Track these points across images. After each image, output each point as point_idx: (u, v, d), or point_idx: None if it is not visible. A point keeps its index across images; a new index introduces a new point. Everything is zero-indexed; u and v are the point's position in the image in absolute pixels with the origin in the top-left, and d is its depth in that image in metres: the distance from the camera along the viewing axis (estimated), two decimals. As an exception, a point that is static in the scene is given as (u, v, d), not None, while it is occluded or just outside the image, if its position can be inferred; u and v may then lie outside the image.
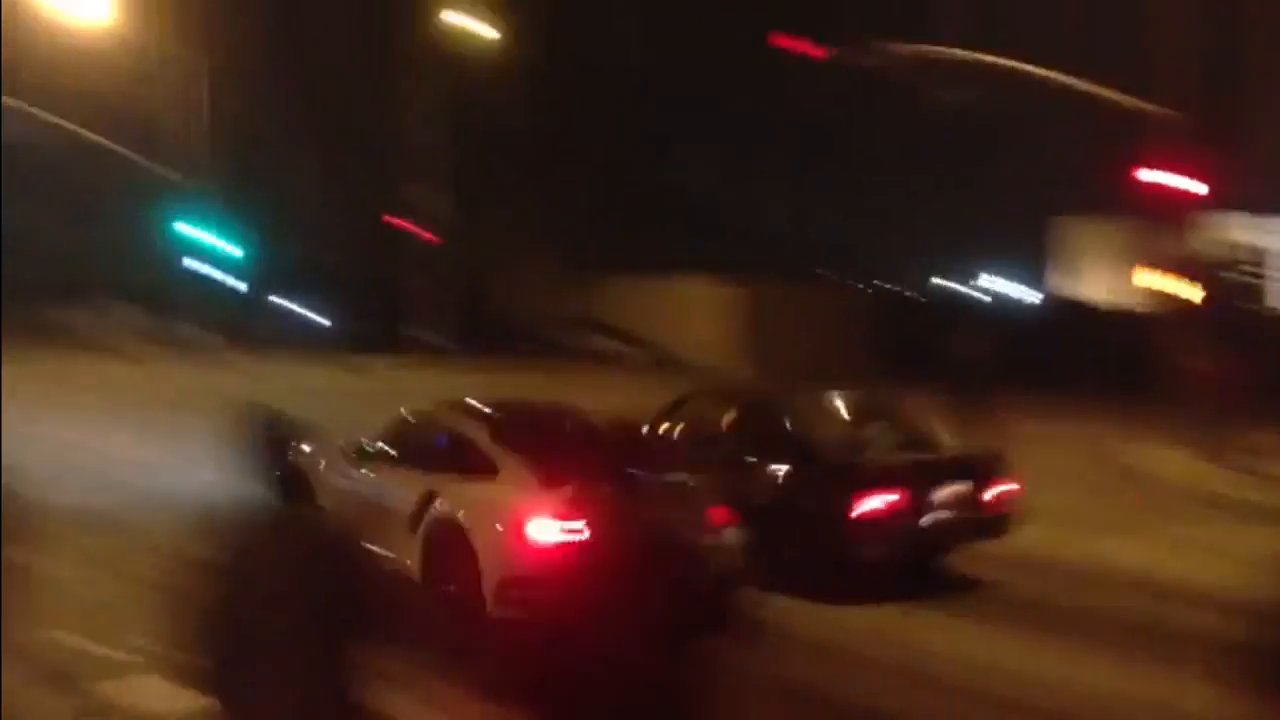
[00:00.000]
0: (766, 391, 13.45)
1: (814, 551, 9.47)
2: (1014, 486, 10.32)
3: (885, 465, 10.01)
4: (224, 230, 34.05)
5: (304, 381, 27.77)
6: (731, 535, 8.39)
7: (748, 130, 38.63)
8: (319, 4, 34.72)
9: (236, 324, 36.08)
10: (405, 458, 9.33)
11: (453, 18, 34.08)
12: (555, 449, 8.57)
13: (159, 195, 34.23)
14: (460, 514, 8.32)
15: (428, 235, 36.64)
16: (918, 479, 9.73)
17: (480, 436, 8.89)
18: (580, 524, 7.57)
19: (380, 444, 9.63)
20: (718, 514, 8.35)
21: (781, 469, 9.89)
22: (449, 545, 8.27)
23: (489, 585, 8.00)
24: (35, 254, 48.19)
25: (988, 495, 10.09)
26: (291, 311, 39.40)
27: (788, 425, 10.42)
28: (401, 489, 8.92)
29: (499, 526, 8.04)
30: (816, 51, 23.29)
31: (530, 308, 39.42)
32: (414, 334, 36.38)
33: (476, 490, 8.45)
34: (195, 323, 34.16)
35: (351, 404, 19.98)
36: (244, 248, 36.50)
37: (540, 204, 37.91)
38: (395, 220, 37.07)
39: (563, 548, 7.60)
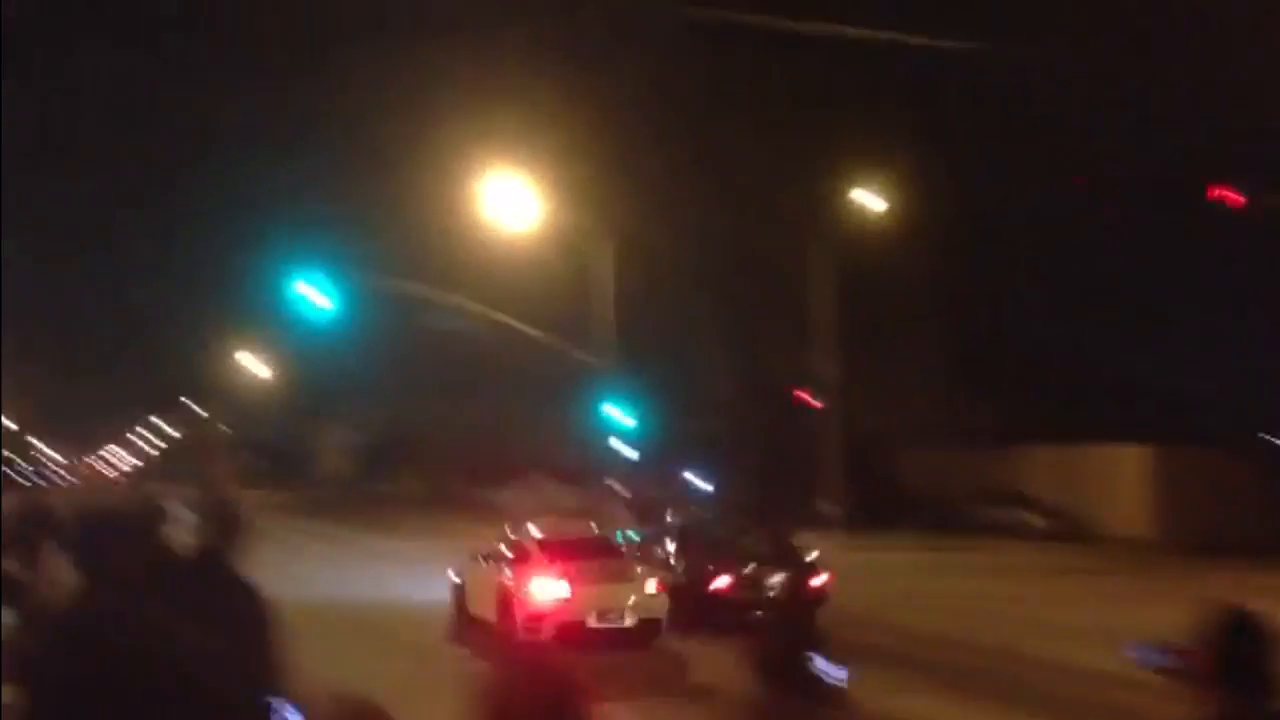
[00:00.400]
0: (699, 519, 20.18)
1: (700, 612, 14.77)
2: (827, 577, 15.82)
3: (734, 561, 15.74)
4: (635, 408, 35.93)
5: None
6: (663, 599, 14.31)
7: (1168, 293, 36.34)
8: (713, 183, 36.65)
9: (649, 497, 37.62)
10: (497, 556, 15.30)
11: (856, 193, 34.90)
12: (565, 548, 14.85)
13: (582, 379, 36.82)
14: (511, 583, 14.35)
15: (819, 405, 36.82)
16: (755, 570, 15.53)
17: (529, 541, 15.11)
18: (561, 585, 13.96)
19: (487, 551, 15.83)
20: (658, 585, 14.42)
21: (682, 563, 16.13)
22: (507, 600, 14.31)
23: (519, 620, 13.92)
24: (479, 437, 53.25)
25: (812, 582, 15.63)
26: (694, 484, 40.62)
27: (694, 538, 17.02)
28: (492, 574, 15.02)
29: (522, 586, 14.16)
30: (1236, 199, 21.40)
31: (939, 480, 38.47)
32: (817, 506, 36.29)
33: (520, 569, 14.50)
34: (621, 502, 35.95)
35: None
36: (650, 423, 38.30)
37: (947, 375, 37.18)
38: (799, 393, 37.55)
39: (550, 600, 13.91)
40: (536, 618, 13.68)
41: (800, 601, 14.65)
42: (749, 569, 15.45)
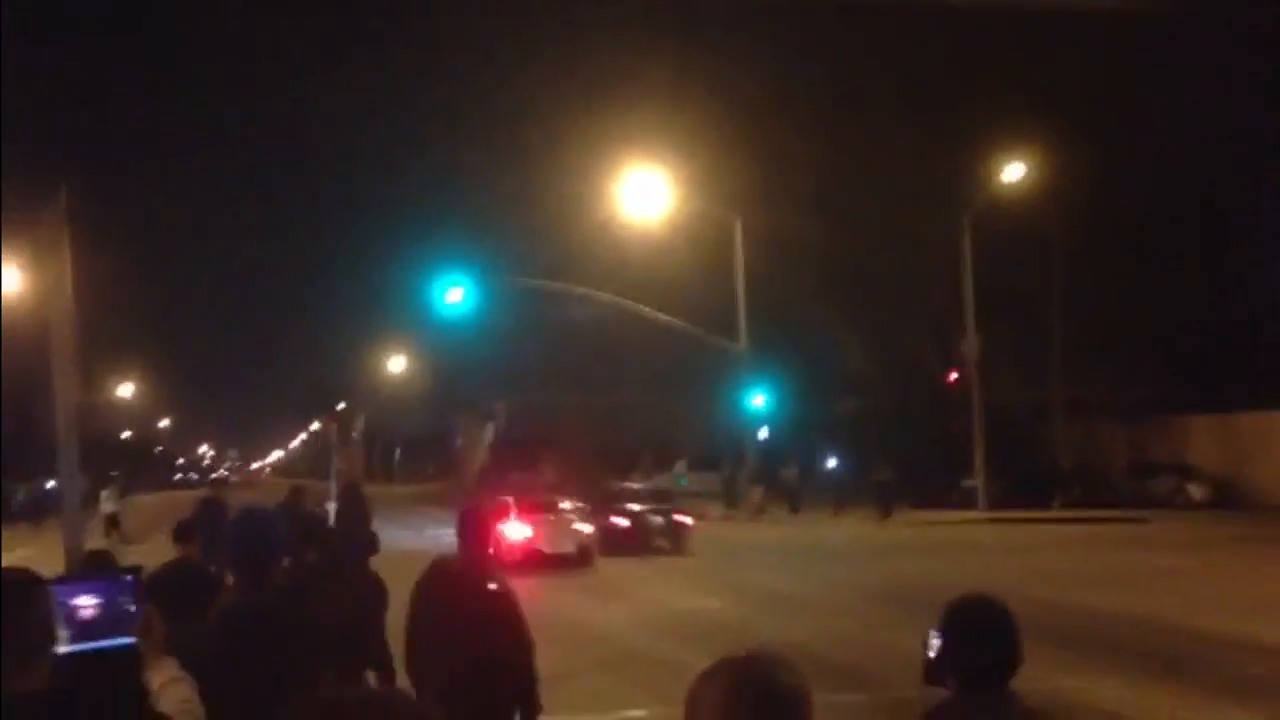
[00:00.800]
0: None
1: (616, 539, 24.22)
2: (690, 520, 25.69)
3: (636, 506, 25.80)
4: (776, 394, 35.77)
5: (829, 534, 28.44)
6: (592, 534, 23.36)
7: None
8: (846, 164, 36.03)
9: (794, 483, 37.38)
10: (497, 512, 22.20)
11: (995, 165, 34.02)
12: (531, 505, 23.34)
13: (718, 364, 36.77)
14: (500, 527, 20.52)
15: (955, 381, 35.99)
16: (644, 512, 25.34)
17: (510, 503, 23.00)
18: (527, 529, 22.58)
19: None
20: (591, 526, 23.69)
21: (607, 510, 25.33)
22: (497, 539, 17.87)
23: (503, 549, 19.94)
24: (625, 427, 53.59)
25: (676, 519, 25.37)
26: (838, 469, 40.20)
27: (613, 498, 26.94)
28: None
29: (504, 528, 21.33)
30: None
31: (1091, 453, 37.35)
32: (960, 483, 35.58)
33: (503, 519, 21.55)
34: (759, 484, 35.90)
35: (857, 557, 21.88)
36: (787, 406, 38.02)
37: (1095, 347, 36.00)
38: (950, 375, 36.77)
39: (520, 537, 22.33)
40: (512, 548, 21.41)
41: (675, 530, 25.09)
42: (640, 515, 25.20)
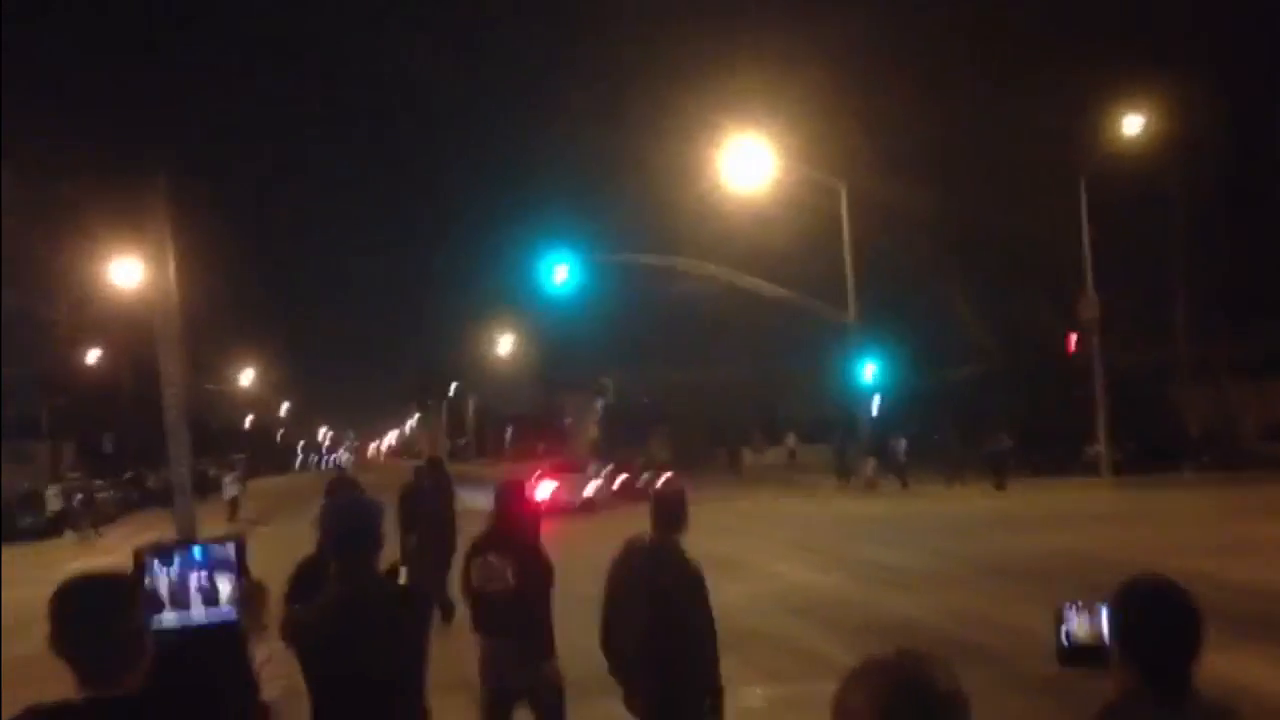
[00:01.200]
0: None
1: (621, 489, 33.20)
2: (671, 474, 31.91)
3: (632, 473, 34.62)
4: (888, 364, 35.12)
5: (944, 506, 27.85)
6: (599, 489, 33.18)
7: None
8: (958, 128, 35.10)
9: (906, 454, 36.76)
10: (533, 477, 30.58)
11: (1111, 121, 32.83)
12: (554, 469, 33.74)
13: (832, 336, 36.25)
14: (529, 483, 23.03)
15: (1074, 345, 34.83)
16: (641, 471, 34.63)
17: (542, 468, 33.92)
18: (551, 486, 31.65)
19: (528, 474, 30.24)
20: (598, 482, 33.70)
21: (619, 472, 35.23)
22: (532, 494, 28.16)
23: (534, 501, 27.75)
24: (734, 400, 53.41)
25: (667, 477, 30.63)
26: (952, 439, 39.36)
27: (621, 464, 36.71)
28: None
29: (535, 485, 29.21)
30: None
31: (1221, 416, 35.96)
32: (1082, 451, 34.53)
33: (536, 480, 30.42)
34: (867, 456, 35.37)
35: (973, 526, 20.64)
36: (904, 379, 37.31)
37: (1224, 304, 34.56)
38: (1069, 339, 35.65)
39: (547, 492, 31.00)
40: (541, 500, 27.83)
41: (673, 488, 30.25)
42: (637, 473, 33.45)
